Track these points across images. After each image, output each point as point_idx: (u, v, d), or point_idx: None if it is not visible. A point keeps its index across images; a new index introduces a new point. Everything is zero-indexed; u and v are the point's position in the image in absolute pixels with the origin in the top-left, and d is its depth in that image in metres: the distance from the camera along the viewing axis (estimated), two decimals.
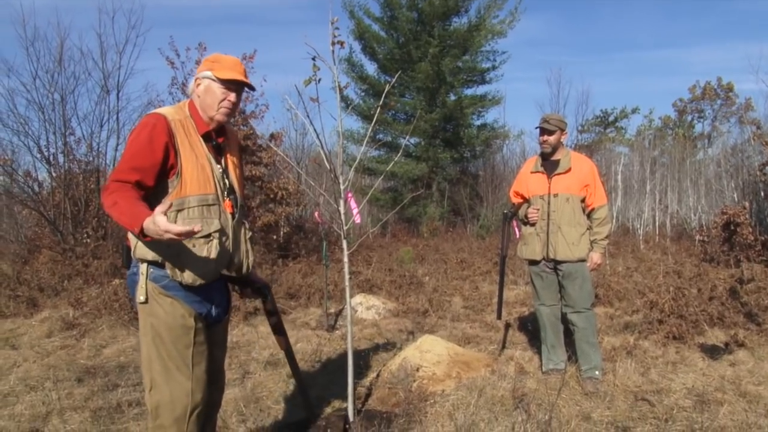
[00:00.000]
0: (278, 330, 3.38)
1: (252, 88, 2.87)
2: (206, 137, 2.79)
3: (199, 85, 2.78)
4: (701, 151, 29.84)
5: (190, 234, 2.32)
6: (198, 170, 2.68)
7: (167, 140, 2.59)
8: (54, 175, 12.00)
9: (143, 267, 2.65)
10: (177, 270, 2.62)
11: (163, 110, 2.72)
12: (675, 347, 5.75)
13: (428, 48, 20.86)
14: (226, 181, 2.84)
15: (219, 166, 2.82)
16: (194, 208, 2.64)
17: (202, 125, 2.77)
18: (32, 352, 6.02)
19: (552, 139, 4.85)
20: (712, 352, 5.54)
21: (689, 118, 38.87)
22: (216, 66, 2.75)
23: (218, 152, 2.86)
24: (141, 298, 2.64)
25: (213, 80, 2.73)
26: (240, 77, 2.76)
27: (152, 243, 2.50)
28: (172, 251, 2.58)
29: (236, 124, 11.69)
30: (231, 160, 2.92)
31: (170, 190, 2.62)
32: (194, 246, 2.63)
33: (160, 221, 2.27)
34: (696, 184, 19.32)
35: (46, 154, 11.91)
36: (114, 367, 5.47)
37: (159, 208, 2.32)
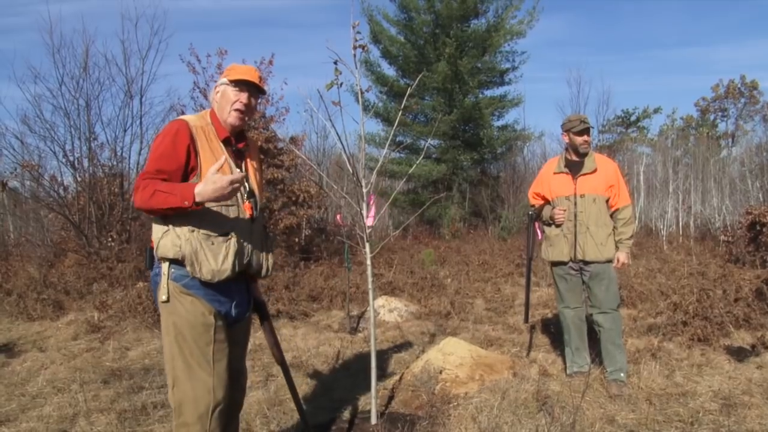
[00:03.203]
0: (274, 344, 3.38)
1: (262, 92, 3.03)
2: (226, 142, 2.91)
3: (217, 93, 2.95)
4: (725, 151, 29.50)
5: (243, 178, 2.66)
6: (218, 172, 2.74)
7: (189, 143, 2.73)
8: (79, 179, 12.18)
9: (165, 267, 2.74)
10: (196, 266, 2.70)
11: (186, 117, 2.87)
12: (700, 349, 5.68)
13: (445, 49, 20.79)
14: (246, 184, 2.94)
15: (239, 170, 2.92)
16: (214, 207, 2.74)
17: (222, 131, 2.90)
18: (59, 354, 6.11)
19: (590, 138, 4.89)
20: (739, 354, 5.47)
21: (712, 117, 38.39)
22: (231, 72, 2.93)
23: (239, 157, 2.98)
24: (163, 297, 2.74)
25: (227, 84, 2.91)
26: (250, 78, 2.91)
27: (172, 239, 2.68)
28: (192, 248, 2.68)
29: (257, 127, 11.77)
30: (251, 165, 3.04)
31: None
32: (213, 244, 2.73)
33: (219, 177, 2.56)
34: (720, 184, 19.11)
35: (71, 158, 12.10)
36: (139, 370, 5.53)
37: (212, 168, 2.60)
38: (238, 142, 2.97)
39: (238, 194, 2.84)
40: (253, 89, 2.94)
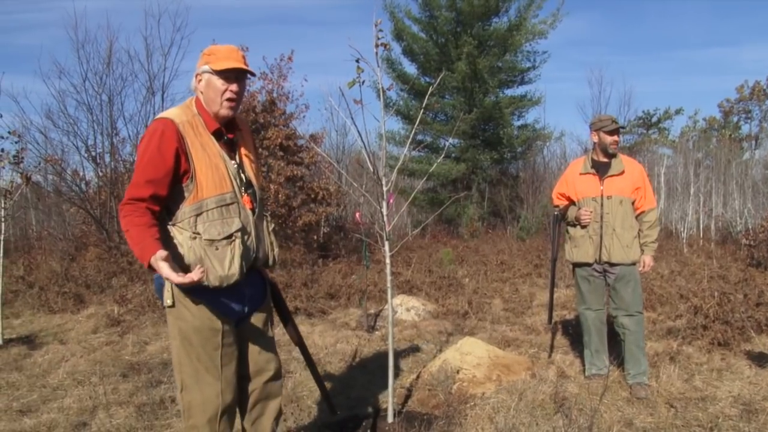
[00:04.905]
0: (290, 325, 3.26)
1: (252, 74, 2.81)
2: (217, 134, 2.74)
3: (200, 81, 2.73)
4: (747, 153, 29.10)
5: (191, 284, 2.39)
6: (212, 170, 2.64)
7: (177, 146, 2.56)
8: (100, 174, 12.34)
9: None
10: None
11: (170, 113, 2.69)
12: (720, 354, 5.61)
13: (464, 48, 20.69)
14: (243, 176, 2.80)
15: (233, 162, 2.78)
16: (213, 210, 2.61)
17: (211, 122, 2.72)
18: (79, 347, 6.18)
19: (619, 139, 4.88)
20: (760, 359, 5.40)
21: (735, 118, 37.85)
22: (212, 58, 2.68)
23: (231, 147, 2.81)
24: (168, 302, 2.63)
25: (211, 74, 2.67)
26: (237, 65, 2.67)
27: (174, 251, 2.55)
28: (196, 256, 2.57)
29: (277, 124, 11.80)
30: (245, 155, 2.89)
31: (186, 194, 2.61)
32: (217, 249, 2.60)
33: (162, 268, 2.34)
34: (742, 187, 18.86)
35: (93, 153, 12.27)
36: (157, 364, 5.58)
37: (160, 254, 2.36)
38: (228, 131, 2.79)
39: (236, 189, 2.71)
40: (241, 74, 2.73)
